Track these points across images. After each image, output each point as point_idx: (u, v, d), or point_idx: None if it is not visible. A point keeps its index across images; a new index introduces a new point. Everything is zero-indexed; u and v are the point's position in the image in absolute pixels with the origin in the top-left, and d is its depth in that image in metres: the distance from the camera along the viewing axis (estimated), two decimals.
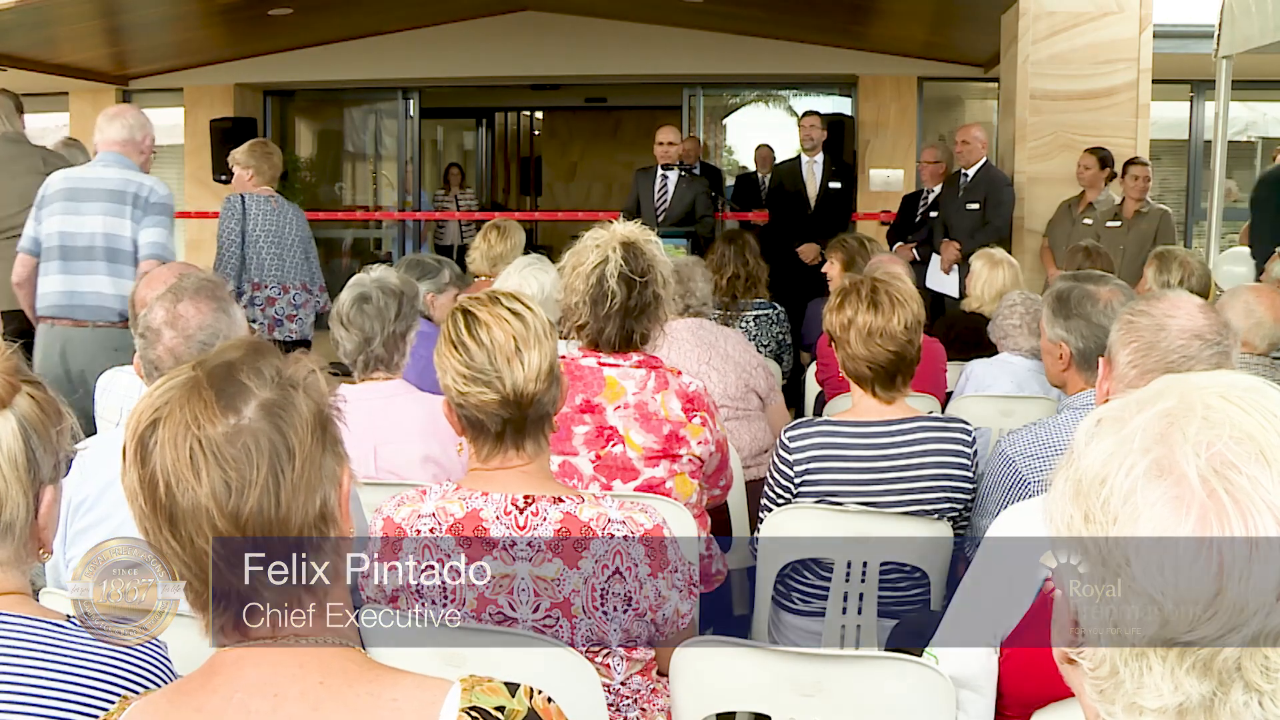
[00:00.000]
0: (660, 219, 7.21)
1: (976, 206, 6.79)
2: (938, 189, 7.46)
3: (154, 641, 1.40)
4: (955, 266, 6.73)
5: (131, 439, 1.10)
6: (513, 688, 1.11)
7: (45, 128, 11.39)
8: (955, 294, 6.56)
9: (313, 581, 1.11)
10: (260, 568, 1.08)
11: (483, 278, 5.04)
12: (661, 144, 7.40)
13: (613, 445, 2.57)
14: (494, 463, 1.87)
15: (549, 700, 1.13)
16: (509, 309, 1.87)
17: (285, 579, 1.09)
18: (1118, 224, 6.38)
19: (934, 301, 6.69)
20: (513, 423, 1.84)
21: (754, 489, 3.08)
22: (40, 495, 1.39)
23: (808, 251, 7.59)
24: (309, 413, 1.12)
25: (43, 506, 1.39)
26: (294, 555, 1.09)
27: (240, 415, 1.08)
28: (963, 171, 6.98)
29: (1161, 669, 0.78)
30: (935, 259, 7.01)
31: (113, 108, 4.53)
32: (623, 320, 2.57)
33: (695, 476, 2.65)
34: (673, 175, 7.45)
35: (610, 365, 2.61)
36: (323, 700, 1.07)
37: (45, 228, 4.16)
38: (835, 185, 7.87)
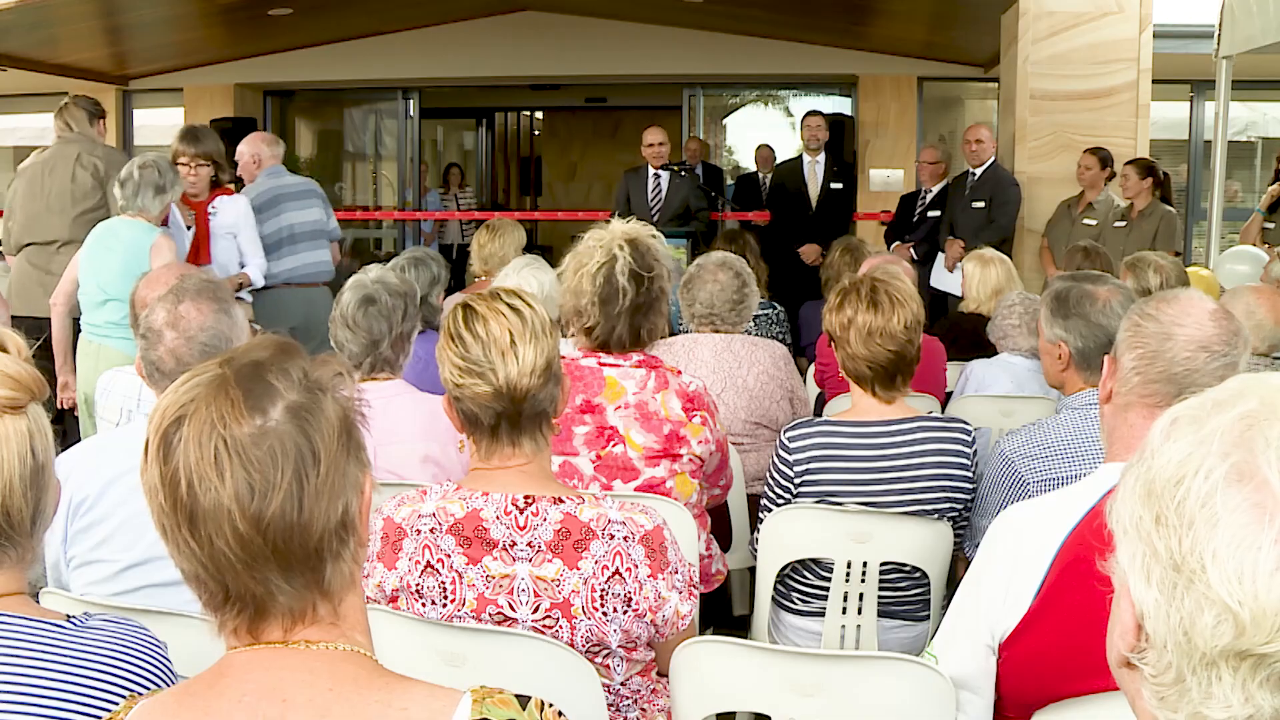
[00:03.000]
0: (655, 218, 7.21)
1: (982, 205, 6.80)
2: (936, 189, 7.46)
3: (154, 641, 1.40)
4: (960, 265, 6.73)
5: (154, 434, 1.08)
6: (523, 700, 1.10)
7: (45, 127, 11.39)
8: (959, 293, 6.57)
9: (330, 588, 1.11)
10: (279, 572, 1.07)
11: (481, 278, 5.05)
12: (651, 145, 7.40)
13: (613, 445, 2.57)
14: (494, 460, 1.87)
15: (559, 714, 1.11)
16: (508, 304, 1.88)
17: (303, 585, 1.09)
18: (1123, 224, 6.39)
19: (934, 301, 6.69)
20: (507, 417, 1.84)
21: (754, 501, 3.07)
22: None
23: (809, 252, 7.58)
24: (335, 418, 1.11)
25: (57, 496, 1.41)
26: (313, 561, 1.08)
27: (267, 416, 1.07)
28: (970, 171, 6.99)
29: (1233, 680, 0.75)
30: (941, 257, 7.02)
31: (267, 134, 6.11)
32: (632, 318, 2.56)
33: (695, 476, 2.65)
34: (665, 175, 7.45)
35: (610, 365, 2.60)
36: (331, 706, 1.06)
37: (277, 222, 5.49)
38: (837, 186, 7.87)
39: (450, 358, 1.86)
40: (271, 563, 1.06)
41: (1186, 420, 0.82)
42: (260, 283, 5.23)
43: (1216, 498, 0.77)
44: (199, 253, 5.13)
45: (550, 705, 1.11)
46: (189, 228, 5.07)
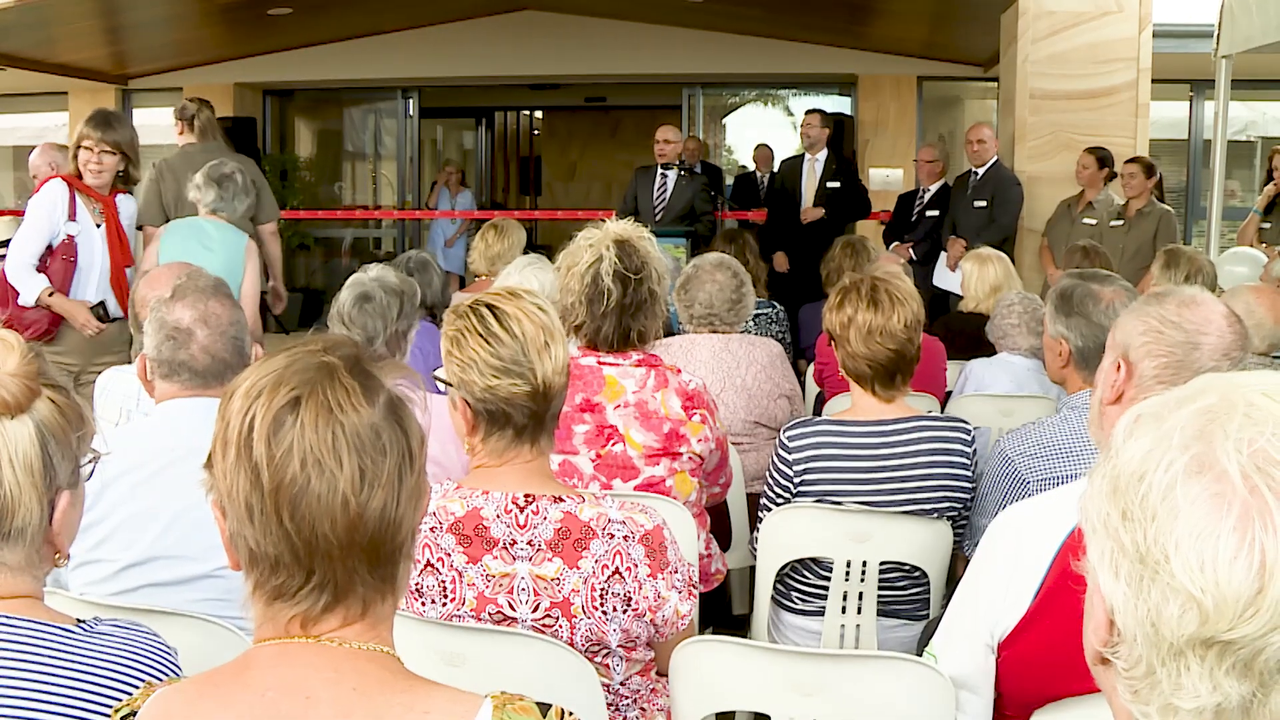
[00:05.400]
0: (659, 217, 7.20)
1: (984, 205, 6.80)
2: (934, 188, 7.47)
3: (164, 647, 1.39)
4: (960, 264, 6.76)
5: (264, 412, 1.07)
6: (544, 708, 1.09)
7: (45, 127, 11.40)
8: (961, 291, 6.60)
9: (398, 587, 1.12)
10: (367, 564, 1.08)
11: (482, 277, 5.04)
12: (661, 142, 7.40)
13: (613, 444, 2.57)
14: (508, 456, 1.86)
15: None
16: (533, 304, 1.89)
17: (381, 579, 1.10)
18: (1120, 223, 6.39)
19: (935, 301, 6.69)
20: (536, 415, 1.85)
21: (753, 500, 3.07)
22: (55, 501, 1.37)
23: (780, 260, 7.57)
24: (419, 424, 1.13)
25: (57, 512, 1.37)
26: (396, 557, 1.10)
27: (374, 410, 1.09)
28: (973, 170, 6.99)
29: (1200, 669, 0.76)
30: (943, 257, 7.02)
31: (55, 143, 5.49)
32: (619, 318, 2.57)
33: (695, 475, 2.65)
34: (671, 174, 7.44)
35: (610, 364, 2.61)
36: (354, 707, 1.06)
37: None
38: (833, 185, 7.86)
39: (483, 357, 1.84)
40: (363, 553, 1.07)
41: (1149, 417, 0.84)
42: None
43: (1177, 489, 0.78)
44: (124, 251, 4.62)
45: (571, 714, 1.10)
46: (99, 225, 4.54)
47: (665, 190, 7.44)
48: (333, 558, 1.07)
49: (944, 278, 6.96)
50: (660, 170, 7.44)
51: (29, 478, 1.33)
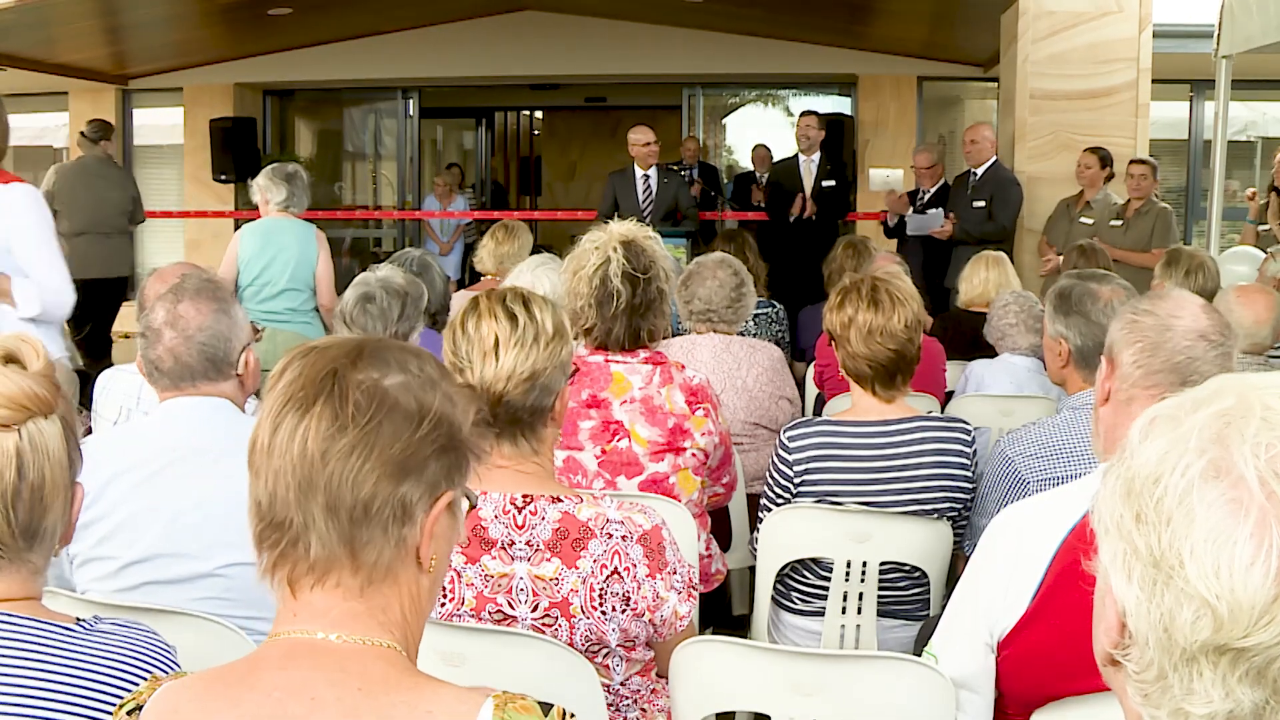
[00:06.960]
0: (648, 219, 7.19)
1: (983, 204, 6.80)
2: (934, 188, 7.47)
3: (163, 646, 1.40)
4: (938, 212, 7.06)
5: (281, 362, 1.16)
6: (546, 707, 1.10)
7: (45, 127, 11.40)
8: (934, 226, 6.95)
9: (361, 558, 1.11)
10: (324, 510, 1.09)
11: (489, 275, 5.06)
12: (647, 144, 7.37)
13: (618, 440, 2.57)
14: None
15: None
16: (507, 308, 1.88)
17: (339, 537, 1.10)
18: (1119, 223, 6.39)
19: (935, 298, 6.69)
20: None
21: (753, 501, 3.07)
22: (72, 496, 1.39)
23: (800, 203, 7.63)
24: (444, 417, 1.15)
25: (75, 505, 1.40)
26: (358, 515, 1.09)
27: (384, 374, 1.13)
28: (972, 170, 6.99)
29: (1213, 675, 0.75)
30: (916, 218, 7.17)
31: None
32: (629, 319, 2.57)
33: (699, 473, 2.65)
34: (653, 174, 7.44)
35: (617, 361, 2.61)
36: (358, 707, 1.06)
37: None
38: (829, 184, 7.87)
39: (446, 348, 1.91)
40: (320, 495, 1.08)
41: (1165, 419, 0.83)
42: (36, 311, 3.23)
43: (1193, 494, 0.77)
44: None
45: (573, 716, 1.10)
46: None
47: (651, 190, 7.43)
48: (290, 501, 1.09)
49: (917, 224, 7.09)
50: (641, 172, 7.43)
51: (61, 475, 1.35)
